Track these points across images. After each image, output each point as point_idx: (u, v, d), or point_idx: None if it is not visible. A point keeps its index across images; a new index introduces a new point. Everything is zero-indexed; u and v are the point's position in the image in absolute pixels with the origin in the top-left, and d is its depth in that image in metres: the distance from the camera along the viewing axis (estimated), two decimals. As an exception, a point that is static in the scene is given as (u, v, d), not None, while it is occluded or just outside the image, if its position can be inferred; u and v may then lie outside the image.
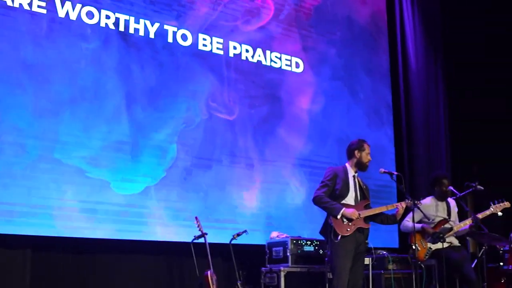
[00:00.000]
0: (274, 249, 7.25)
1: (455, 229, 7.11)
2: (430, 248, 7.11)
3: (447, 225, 7.15)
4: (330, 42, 9.04)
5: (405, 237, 8.18)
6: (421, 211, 6.66)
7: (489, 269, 8.07)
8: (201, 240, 6.63)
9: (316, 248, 7.20)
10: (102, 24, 7.19)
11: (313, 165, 8.30)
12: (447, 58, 9.99)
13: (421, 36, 9.70)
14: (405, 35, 9.56)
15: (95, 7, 7.17)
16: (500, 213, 7.30)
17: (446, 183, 7.35)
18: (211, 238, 6.72)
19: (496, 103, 10.15)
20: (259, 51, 8.29)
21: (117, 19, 7.30)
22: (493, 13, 10.14)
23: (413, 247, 7.03)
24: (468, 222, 7.15)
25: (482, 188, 7.39)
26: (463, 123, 10.03)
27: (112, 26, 7.24)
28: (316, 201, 6.23)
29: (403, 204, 6.42)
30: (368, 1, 9.62)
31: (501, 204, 7.25)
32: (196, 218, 6.73)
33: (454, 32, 10.10)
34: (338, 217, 6.07)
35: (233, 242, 6.91)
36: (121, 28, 7.30)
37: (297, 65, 8.62)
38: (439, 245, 6.97)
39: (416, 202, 6.50)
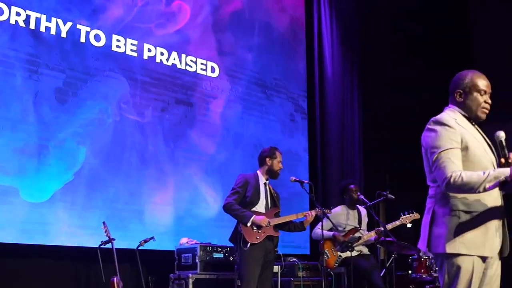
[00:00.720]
0: (183, 255, 7.14)
1: (363, 239, 7.20)
2: (340, 256, 7.18)
3: (356, 234, 7.24)
4: (247, 48, 9.01)
5: (317, 244, 8.24)
6: (330, 220, 6.74)
7: (397, 277, 8.21)
8: (109, 245, 6.46)
9: (226, 255, 7.14)
10: (12, 21, 6.90)
11: (225, 171, 8.23)
12: (363, 68, 10.12)
13: (338, 45, 9.81)
14: (322, 43, 9.64)
15: (5, 3, 6.88)
16: (409, 225, 7.43)
17: (356, 191, 7.42)
18: (119, 244, 6.55)
19: (410, 113, 10.38)
20: (174, 54, 8.17)
21: (28, 17, 7.03)
22: (410, 24, 10.40)
23: (323, 254, 7.10)
24: (372, 234, 7.25)
25: (393, 197, 7.48)
26: (377, 132, 10.19)
27: (22, 24, 6.97)
28: (227, 208, 6.20)
29: (313, 213, 6.47)
30: (287, 9, 9.65)
31: (411, 215, 7.40)
32: (103, 223, 6.55)
33: (371, 43, 10.26)
34: (248, 224, 6.07)
35: (141, 248, 6.78)
36: (32, 26, 7.03)
37: (213, 70, 8.55)
38: (348, 253, 7.04)
39: (326, 210, 6.56)
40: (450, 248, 3.28)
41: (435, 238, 3.36)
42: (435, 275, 7.95)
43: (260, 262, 6.13)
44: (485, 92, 3.55)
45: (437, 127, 3.43)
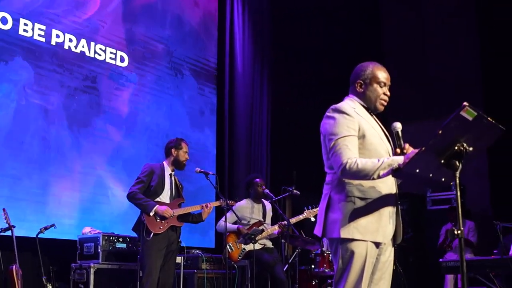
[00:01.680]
0: (85, 244, 7.03)
1: (267, 232, 7.27)
2: (244, 249, 7.23)
3: (260, 227, 7.31)
4: (158, 39, 8.95)
5: (221, 237, 8.28)
6: (234, 212, 6.80)
7: (301, 271, 8.37)
8: (8, 233, 6.29)
9: (129, 245, 7.09)
10: None
11: (131, 161, 8.14)
12: (273, 66, 10.25)
13: (250, 43, 9.89)
14: (234, 40, 9.70)
15: None
16: (313, 219, 7.55)
17: (261, 186, 7.49)
18: (19, 232, 6.41)
19: (318, 112, 10.59)
20: (83, 41, 8.01)
21: None
22: (322, 24, 10.64)
23: (227, 247, 7.15)
24: (276, 227, 7.34)
25: (299, 193, 7.62)
26: (285, 129, 10.35)
27: None
28: (130, 197, 6.20)
29: (211, 204, 6.55)
30: (200, 3, 9.65)
31: (315, 209, 7.51)
32: (3, 210, 6.38)
33: (283, 42, 10.41)
34: (151, 214, 6.08)
35: (43, 237, 6.66)
36: None
37: (122, 59, 8.44)
38: (252, 246, 7.10)
39: (230, 202, 6.62)
40: (345, 233, 3.36)
41: (330, 223, 3.43)
42: (337, 269, 8.13)
43: (162, 252, 6.14)
44: (385, 84, 3.66)
45: (336, 115, 3.52)
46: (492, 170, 9.56)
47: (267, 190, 7.45)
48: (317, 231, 3.54)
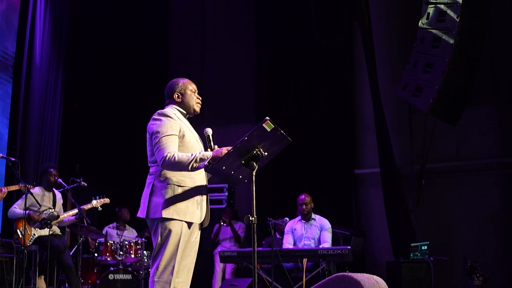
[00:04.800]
0: None
1: (62, 217, 7.62)
2: (35, 234, 7.48)
3: (54, 213, 7.63)
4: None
5: (10, 222, 8.40)
6: (34, 196, 7.09)
7: (83, 259, 8.78)
8: None
9: None
10: None
11: None
12: (69, 62, 10.52)
13: (49, 36, 9.99)
14: (34, 32, 9.72)
15: None
16: (100, 208, 8.02)
17: (54, 175, 7.83)
18: None
19: (106, 111, 11.10)
20: None
21: None
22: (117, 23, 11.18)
23: (18, 232, 7.37)
24: (71, 213, 7.73)
25: (86, 184, 8.07)
26: (75, 124, 10.67)
27: None
28: None
29: (11, 188, 6.84)
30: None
31: (102, 199, 8.02)
32: None
33: (80, 39, 10.73)
34: None
35: None
36: None
37: None
38: (43, 232, 7.42)
39: (29, 186, 6.93)
40: (166, 213, 4.14)
41: (153, 206, 4.18)
42: (119, 258, 8.70)
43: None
44: (196, 91, 4.59)
45: (162, 117, 4.29)
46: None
47: (60, 180, 7.82)
48: (141, 213, 4.26)
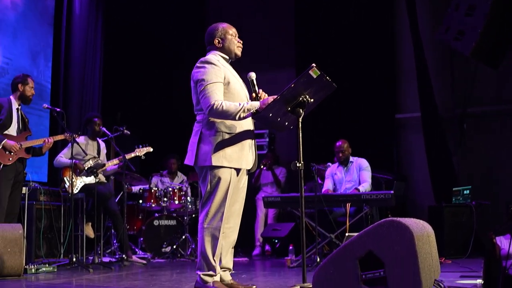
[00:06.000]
0: None
1: (108, 164, 7.74)
2: (81, 182, 7.63)
3: (99, 162, 7.77)
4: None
5: (56, 172, 8.59)
6: (79, 145, 7.20)
7: (128, 206, 8.97)
8: None
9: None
10: None
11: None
12: (108, 10, 10.53)
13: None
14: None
15: None
16: (143, 156, 8.11)
17: (99, 125, 7.91)
18: None
19: (150, 59, 11.13)
20: None
21: None
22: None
23: (66, 180, 7.53)
24: (116, 161, 7.84)
25: (129, 132, 8.16)
26: (116, 72, 10.74)
27: None
28: (-24, 129, 6.40)
29: (56, 138, 6.96)
30: None
31: (145, 148, 8.09)
32: None
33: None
34: (-1, 147, 6.32)
35: None
36: None
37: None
38: (89, 180, 7.57)
39: (75, 135, 7.03)
40: (215, 161, 4.17)
41: (202, 154, 4.23)
42: (163, 205, 8.87)
43: (10, 182, 6.47)
44: (236, 35, 4.53)
45: (206, 65, 4.29)
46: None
47: (104, 129, 7.92)
48: (189, 161, 4.30)
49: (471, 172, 9.59)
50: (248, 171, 4.45)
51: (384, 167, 9.29)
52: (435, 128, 9.33)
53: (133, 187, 9.31)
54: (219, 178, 4.19)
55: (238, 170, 4.30)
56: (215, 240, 4.20)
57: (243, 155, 4.30)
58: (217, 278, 4.25)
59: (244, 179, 4.44)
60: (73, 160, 7.23)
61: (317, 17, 10.87)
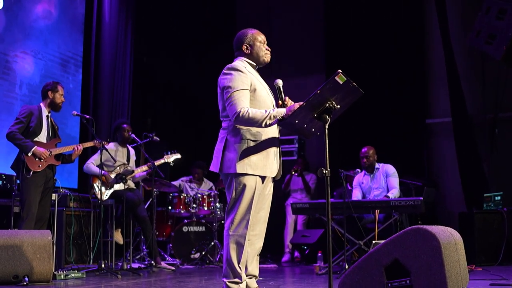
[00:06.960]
0: (-41, 181, 7.15)
1: (137, 171, 7.79)
2: (110, 188, 7.68)
3: (129, 168, 7.82)
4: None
5: (86, 178, 8.67)
6: (108, 152, 7.26)
7: (158, 212, 9.02)
8: None
9: (4, 182, 7.29)
10: None
11: (9, 102, 8.21)
12: (137, 17, 10.61)
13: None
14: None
15: None
16: (172, 163, 8.15)
17: (128, 131, 7.97)
18: None
19: (178, 64, 11.18)
20: None
21: None
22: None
23: (95, 187, 7.60)
24: (145, 168, 7.89)
25: (158, 139, 8.22)
26: (146, 79, 10.82)
27: None
28: (10, 137, 6.49)
29: (86, 145, 7.04)
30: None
31: (173, 154, 8.13)
32: None
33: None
34: (29, 154, 6.40)
35: None
36: None
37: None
38: (118, 187, 7.62)
39: (104, 142, 7.11)
40: (240, 168, 4.16)
41: (227, 161, 4.22)
42: (192, 211, 8.90)
43: (41, 189, 6.54)
44: (264, 42, 4.53)
45: (232, 72, 4.27)
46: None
47: (133, 135, 7.99)
48: (214, 167, 4.30)
49: (503, 178, 9.45)
50: (273, 178, 4.43)
51: (414, 173, 9.21)
52: (466, 133, 9.23)
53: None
54: (244, 185, 4.18)
55: (263, 178, 4.28)
56: (240, 247, 4.19)
57: (268, 163, 4.28)
58: (243, 286, 4.24)
59: (269, 186, 4.42)
60: (102, 171, 7.25)
61: (347, 22, 10.83)
